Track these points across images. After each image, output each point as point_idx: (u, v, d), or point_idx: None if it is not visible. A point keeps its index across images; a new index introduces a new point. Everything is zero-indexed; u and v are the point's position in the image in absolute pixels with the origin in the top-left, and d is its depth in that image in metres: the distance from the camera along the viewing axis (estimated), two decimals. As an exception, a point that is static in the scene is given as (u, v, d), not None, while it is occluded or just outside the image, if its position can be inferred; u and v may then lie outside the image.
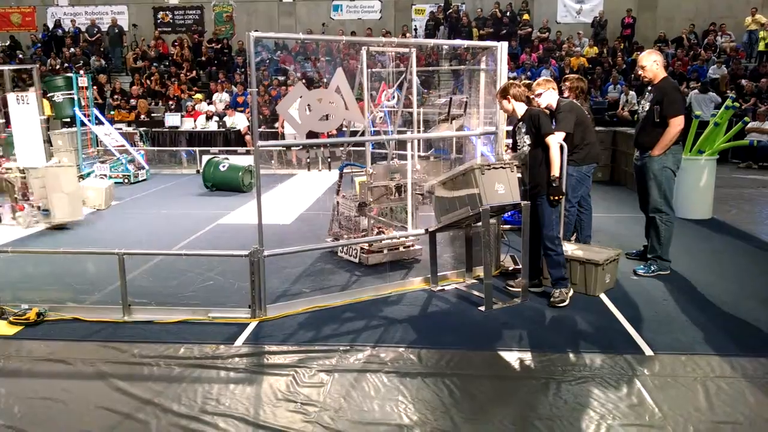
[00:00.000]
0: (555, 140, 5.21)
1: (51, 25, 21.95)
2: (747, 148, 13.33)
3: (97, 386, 3.94)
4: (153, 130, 15.49)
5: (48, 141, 8.72)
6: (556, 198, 5.21)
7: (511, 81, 5.60)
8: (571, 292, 5.33)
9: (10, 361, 4.32)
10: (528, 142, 5.29)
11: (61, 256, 6.33)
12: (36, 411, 3.65)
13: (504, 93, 5.38)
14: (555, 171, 5.15)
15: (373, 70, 6.98)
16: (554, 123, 6.59)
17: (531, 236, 5.32)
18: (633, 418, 3.51)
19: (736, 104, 8.67)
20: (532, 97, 5.76)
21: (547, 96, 5.90)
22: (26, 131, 8.33)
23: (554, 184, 5.17)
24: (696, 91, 14.93)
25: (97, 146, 12.96)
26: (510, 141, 5.74)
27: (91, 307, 5.19)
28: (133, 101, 16.89)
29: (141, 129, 15.05)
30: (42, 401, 3.76)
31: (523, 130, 5.34)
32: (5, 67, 9.26)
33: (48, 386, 3.96)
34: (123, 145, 12.80)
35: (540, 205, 5.26)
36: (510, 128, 5.91)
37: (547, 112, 5.79)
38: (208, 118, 15.66)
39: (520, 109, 5.37)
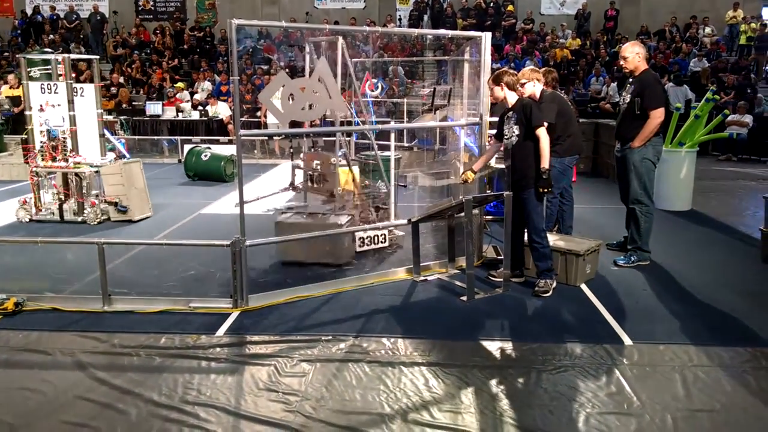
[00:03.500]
0: (545, 133, 5.20)
1: (29, 11, 21.57)
2: (727, 141, 13.49)
3: (77, 376, 3.91)
4: (134, 118, 15.31)
5: (103, 135, 8.55)
6: (545, 190, 5.21)
7: (505, 69, 5.54)
8: (555, 283, 5.37)
9: (-13, 351, 4.27)
10: (516, 132, 5.26)
11: (39, 246, 6.25)
12: (14, 401, 3.62)
13: (497, 80, 5.32)
14: (545, 163, 5.14)
15: (357, 60, 6.94)
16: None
17: (513, 227, 5.34)
18: (612, 407, 3.55)
19: (716, 97, 8.75)
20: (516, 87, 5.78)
21: (531, 87, 5.91)
22: (84, 125, 8.12)
23: (544, 176, 5.16)
24: (671, 83, 15.04)
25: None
26: (493, 131, 5.75)
27: (70, 297, 5.14)
28: (113, 89, 16.67)
29: (122, 117, 14.85)
30: (20, 391, 3.72)
31: (513, 120, 5.30)
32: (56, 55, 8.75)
33: (26, 376, 3.92)
34: (102, 134, 12.57)
35: (526, 198, 5.26)
36: (494, 119, 5.92)
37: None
38: (194, 107, 15.50)
39: (512, 98, 5.34)
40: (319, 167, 6.36)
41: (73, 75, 8.46)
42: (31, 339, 4.44)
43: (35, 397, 3.67)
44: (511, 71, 5.49)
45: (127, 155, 12.70)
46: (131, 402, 3.59)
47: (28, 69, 8.16)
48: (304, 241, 5.77)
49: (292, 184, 6.94)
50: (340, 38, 5.98)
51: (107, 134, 12.58)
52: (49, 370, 4.01)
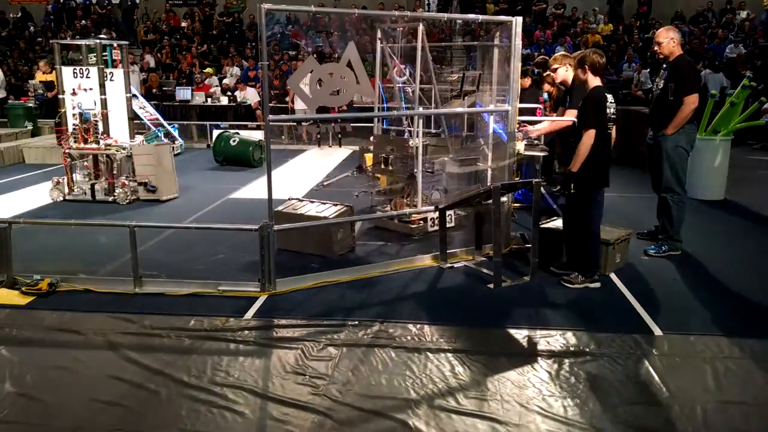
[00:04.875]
0: (590, 136, 4.83)
1: (62, -3, 21.86)
2: (763, 129, 13.14)
3: (108, 356, 3.99)
4: (163, 103, 15.46)
5: (134, 117, 8.73)
6: (565, 192, 5.01)
7: (594, 50, 5.21)
8: (595, 285, 5.11)
9: (22, 330, 4.37)
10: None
11: (73, 228, 6.37)
12: (48, 379, 3.70)
13: (582, 62, 4.99)
14: (575, 166, 4.91)
15: (384, 45, 6.91)
16: (569, 101, 6.54)
17: (571, 224, 5.22)
18: (640, 397, 3.51)
19: (753, 84, 8.53)
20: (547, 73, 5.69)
21: (563, 72, 5.82)
22: (114, 108, 8.30)
23: (565, 177, 4.98)
24: (709, 70, 14.71)
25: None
26: (523, 118, 5.67)
27: (102, 279, 5.24)
28: (143, 75, 16.84)
29: (152, 103, 15.02)
30: (54, 370, 3.81)
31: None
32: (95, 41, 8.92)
33: (60, 355, 4.01)
34: (157, 118, 12.71)
35: (577, 193, 5.02)
36: (524, 105, 5.84)
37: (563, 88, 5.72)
38: (223, 92, 15.60)
39: (594, 83, 5.01)
40: (393, 151, 6.47)
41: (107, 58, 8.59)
42: (65, 319, 4.54)
43: (68, 375, 3.75)
44: (600, 52, 5.12)
45: (180, 140, 12.81)
46: (161, 382, 3.66)
47: (88, 55, 8.39)
48: (299, 230, 5.80)
49: (360, 167, 7.01)
50: (420, 25, 6.04)
51: (160, 119, 12.65)
52: (81, 350, 4.10)
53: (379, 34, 5.94)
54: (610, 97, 5.00)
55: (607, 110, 4.93)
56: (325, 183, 7.10)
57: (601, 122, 4.88)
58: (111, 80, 8.35)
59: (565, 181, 5.02)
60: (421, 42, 6.34)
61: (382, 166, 6.69)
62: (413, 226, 6.46)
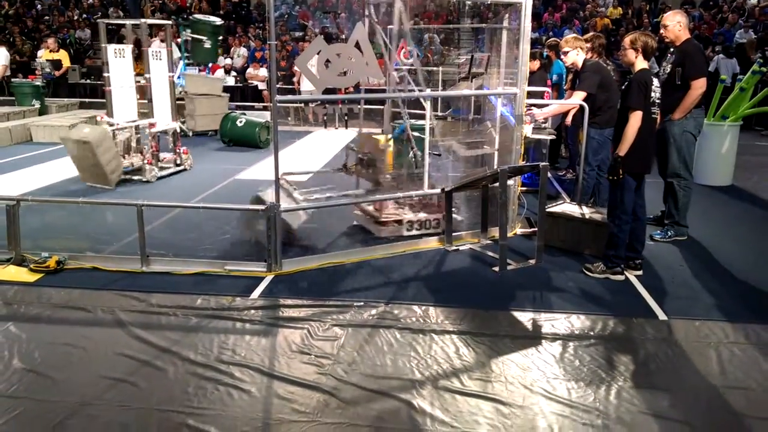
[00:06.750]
0: (638, 119, 4.69)
1: (69, -25, 21.75)
2: (772, 115, 13.04)
3: (116, 333, 4.02)
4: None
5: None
6: (613, 177, 4.83)
7: (645, 32, 5.07)
8: (618, 277, 4.99)
9: (31, 307, 4.41)
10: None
11: (80, 206, 6.40)
12: (56, 356, 3.74)
13: (633, 42, 4.83)
14: (622, 149, 4.76)
15: (390, 27, 6.85)
16: (577, 83, 6.50)
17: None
18: (644, 381, 3.53)
19: (763, 69, 8.45)
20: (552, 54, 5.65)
21: (573, 55, 5.78)
22: (120, 86, 8.33)
23: (614, 163, 4.80)
24: (722, 55, 14.57)
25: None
26: (531, 101, 5.63)
27: (109, 257, 5.27)
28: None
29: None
30: (62, 347, 3.85)
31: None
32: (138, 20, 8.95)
33: (68, 332, 4.05)
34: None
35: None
36: (532, 88, 5.80)
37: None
38: (227, 71, 15.54)
39: (640, 65, 4.84)
40: (369, 151, 6.22)
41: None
42: (73, 296, 4.57)
43: (76, 352, 3.79)
44: (653, 35, 4.98)
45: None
46: (168, 360, 3.69)
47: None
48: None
49: (345, 165, 6.82)
50: (398, 2, 5.90)
51: None
52: (89, 327, 4.14)
53: (368, 12, 5.80)
54: (655, 81, 4.93)
55: (652, 93, 4.86)
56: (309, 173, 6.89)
57: (646, 105, 4.78)
58: (158, 59, 8.38)
59: (613, 167, 4.83)
60: (399, 22, 6.18)
61: (361, 168, 6.38)
62: (383, 228, 5.87)
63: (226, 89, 15.19)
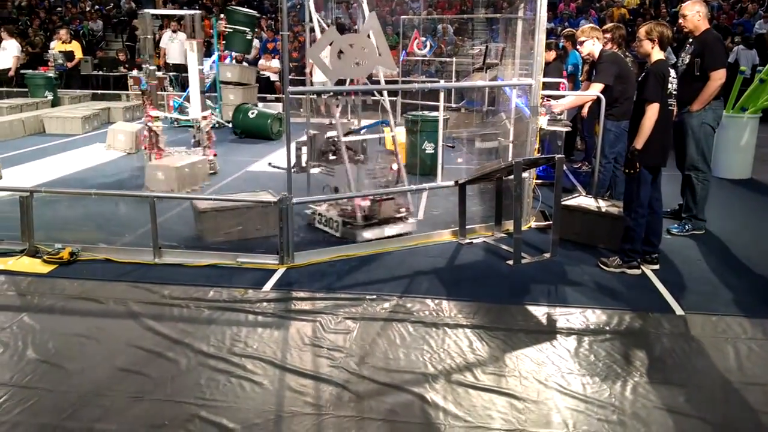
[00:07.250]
0: (655, 111, 4.59)
1: (81, -35, 21.80)
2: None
3: (129, 325, 4.02)
4: (183, 75, 15.42)
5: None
6: (629, 171, 4.76)
7: (660, 22, 4.96)
8: (634, 271, 4.92)
9: (44, 298, 4.42)
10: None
11: (93, 198, 6.41)
12: (70, 347, 3.75)
13: (649, 33, 4.73)
14: (638, 142, 4.67)
15: (404, 17, 6.79)
16: (594, 74, 6.41)
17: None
18: (660, 377, 3.48)
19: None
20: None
21: (590, 45, 5.70)
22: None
23: (631, 156, 4.71)
24: (741, 46, 14.36)
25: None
26: (547, 92, 5.57)
27: (122, 249, 5.27)
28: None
29: (171, 74, 15.00)
30: (75, 338, 3.85)
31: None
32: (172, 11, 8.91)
33: (81, 323, 4.05)
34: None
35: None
36: (548, 80, 5.73)
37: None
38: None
39: (657, 56, 4.73)
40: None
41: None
42: (86, 288, 4.58)
43: (89, 343, 3.79)
44: (668, 25, 4.91)
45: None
46: (181, 351, 3.69)
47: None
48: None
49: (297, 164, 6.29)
50: None
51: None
52: (102, 318, 4.14)
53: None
54: (672, 72, 4.84)
55: (669, 85, 4.77)
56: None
57: (663, 96, 4.69)
58: (191, 51, 8.37)
59: (630, 160, 4.74)
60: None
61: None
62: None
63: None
